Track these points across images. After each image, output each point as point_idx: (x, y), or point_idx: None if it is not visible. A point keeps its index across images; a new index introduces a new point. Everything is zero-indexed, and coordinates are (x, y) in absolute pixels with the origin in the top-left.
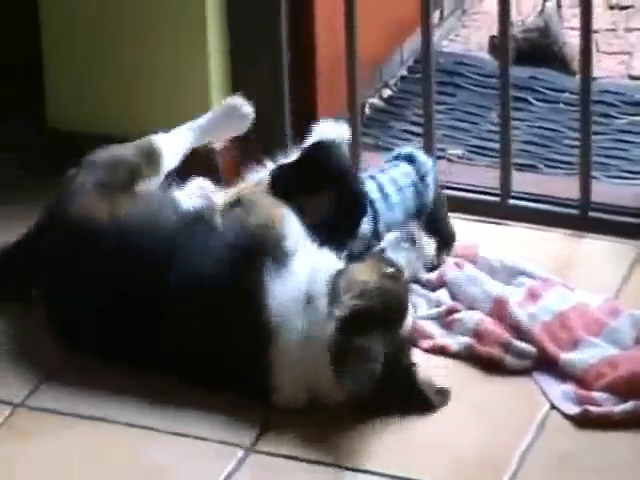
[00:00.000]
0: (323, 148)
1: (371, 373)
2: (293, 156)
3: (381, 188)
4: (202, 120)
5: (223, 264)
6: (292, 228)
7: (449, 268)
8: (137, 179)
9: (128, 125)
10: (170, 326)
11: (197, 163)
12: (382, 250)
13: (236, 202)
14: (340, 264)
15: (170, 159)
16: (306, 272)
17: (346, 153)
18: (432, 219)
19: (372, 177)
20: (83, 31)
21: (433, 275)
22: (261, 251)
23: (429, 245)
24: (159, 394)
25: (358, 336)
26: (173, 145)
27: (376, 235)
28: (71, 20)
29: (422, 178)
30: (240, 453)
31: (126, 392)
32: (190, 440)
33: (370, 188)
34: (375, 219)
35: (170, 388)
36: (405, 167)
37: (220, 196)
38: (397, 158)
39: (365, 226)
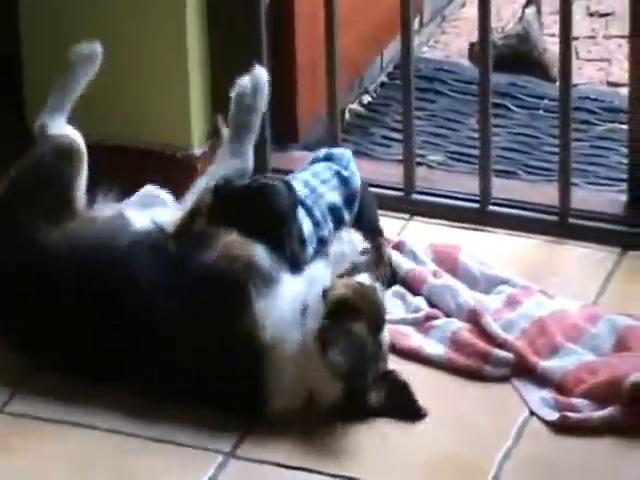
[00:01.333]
0: (266, 195)
1: (362, 349)
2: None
3: (306, 183)
4: (62, 84)
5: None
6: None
7: (427, 277)
8: (72, 186)
9: (106, 126)
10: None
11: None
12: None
13: (190, 225)
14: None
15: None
16: (295, 290)
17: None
18: (360, 208)
19: (294, 177)
20: (62, 28)
21: (412, 279)
22: (241, 281)
23: (357, 240)
24: (139, 400)
25: (345, 321)
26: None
27: (317, 224)
28: (51, 16)
29: (345, 167)
30: (220, 459)
31: (105, 398)
32: (170, 446)
33: (296, 186)
34: (311, 214)
35: (150, 394)
36: (324, 163)
37: (173, 212)
38: (315, 161)
39: (306, 226)
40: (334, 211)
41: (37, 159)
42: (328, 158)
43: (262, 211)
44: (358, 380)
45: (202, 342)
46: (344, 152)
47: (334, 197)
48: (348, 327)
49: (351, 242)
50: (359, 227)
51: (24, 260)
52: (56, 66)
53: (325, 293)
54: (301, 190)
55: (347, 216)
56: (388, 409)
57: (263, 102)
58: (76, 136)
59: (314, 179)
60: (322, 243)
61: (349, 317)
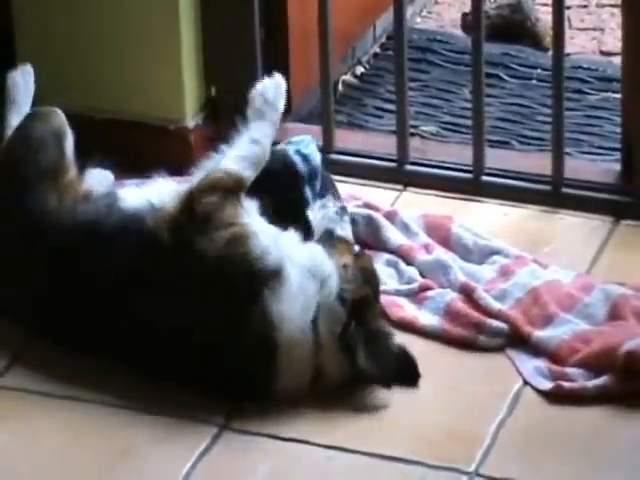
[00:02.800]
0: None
1: (392, 352)
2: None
3: None
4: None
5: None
6: (263, 239)
7: (418, 251)
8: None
9: (96, 98)
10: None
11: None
12: (331, 231)
13: (188, 217)
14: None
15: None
16: (306, 283)
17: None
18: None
19: None
20: (55, 1)
21: (403, 253)
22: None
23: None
24: (131, 374)
25: (367, 321)
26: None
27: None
28: None
29: (305, 147)
30: (215, 430)
31: (98, 372)
32: (163, 419)
33: None
34: None
35: (134, 378)
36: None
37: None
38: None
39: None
40: None
41: (21, 131)
42: (288, 143)
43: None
44: (385, 379)
45: (208, 337)
46: (304, 137)
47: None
48: (374, 329)
49: (328, 214)
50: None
51: (24, 228)
52: (49, 40)
53: (343, 298)
54: None
55: (310, 194)
56: (386, 372)
57: (282, 103)
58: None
59: None
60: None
61: (369, 313)
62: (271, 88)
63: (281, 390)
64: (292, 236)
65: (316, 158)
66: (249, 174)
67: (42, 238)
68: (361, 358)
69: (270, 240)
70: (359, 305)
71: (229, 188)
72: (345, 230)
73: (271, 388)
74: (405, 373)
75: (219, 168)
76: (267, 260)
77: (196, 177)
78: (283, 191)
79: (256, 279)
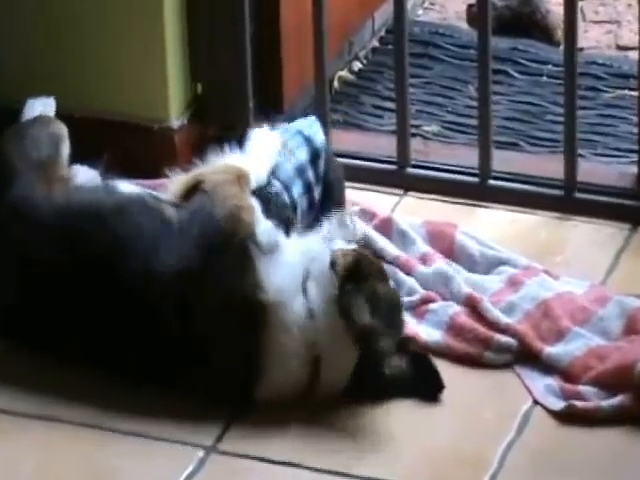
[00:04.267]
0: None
1: (394, 304)
2: None
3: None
4: None
5: (193, 261)
6: (262, 220)
7: (415, 265)
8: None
9: (79, 97)
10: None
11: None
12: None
13: (193, 190)
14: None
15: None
16: (297, 257)
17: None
18: (326, 178)
19: None
20: (31, 2)
21: (399, 266)
22: (242, 242)
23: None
24: (114, 393)
25: (364, 284)
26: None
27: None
28: None
29: (309, 126)
30: (201, 453)
31: (80, 391)
32: (147, 440)
33: None
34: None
35: (126, 387)
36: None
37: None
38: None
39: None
40: (300, 172)
41: (20, 128)
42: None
43: None
44: (393, 334)
45: (201, 304)
46: (309, 118)
47: (301, 154)
48: (371, 288)
49: (344, 226)
50: (325, 200)
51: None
52: (26, 34)
53: (333, 262)
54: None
55: (312, 176)
56: (406, 379)
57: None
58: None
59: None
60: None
61: (365, 280)
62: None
63: (272, 377)
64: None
65: (319, 139)
66: (255, 174)
67: (30, 222)
68: (363, 313)
69: (268, 224)
70: (357, 265)
71: (238, 175)
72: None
73: (260, 368)
74: (423, 374)
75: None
76: (264, 233)
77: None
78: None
79: (252, 245)
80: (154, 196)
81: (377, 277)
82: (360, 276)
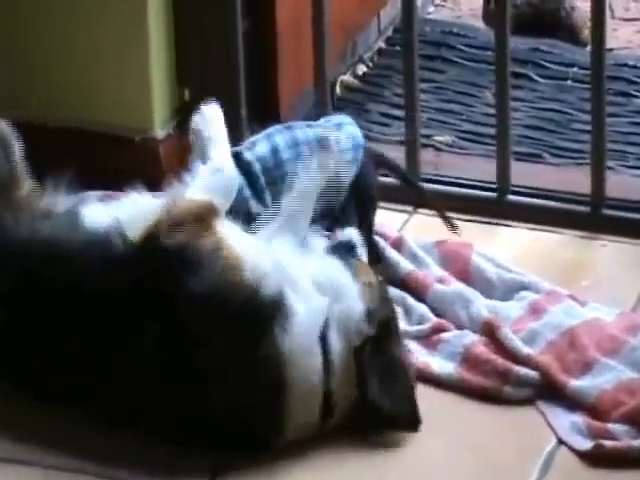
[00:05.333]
0: None
1: (403, 378)
2: None
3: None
4: None
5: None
6: (256, 261)
7: (431, 282)
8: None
9: (55, 105)
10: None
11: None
12: (352, 246)
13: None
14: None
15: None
16: (309, 297)
17: None
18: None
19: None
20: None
21: (414, 283)
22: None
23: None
24: (90, 436)
25: (392, 347)
26: None
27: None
28: None
29: (338, 125)
30: None
31: (51, 432)
32: None
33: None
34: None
35: (101, 430)
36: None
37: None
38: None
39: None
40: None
41: None
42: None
43: None
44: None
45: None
46: (343, 118)
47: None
48: (391, 358)
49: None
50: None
51: None
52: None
53: (371, 315)
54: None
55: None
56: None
57: (221, 128)
58: None
59: (283, 138)
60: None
61: (386, 347)
62: (204, 125)
63: (292, 429)
64: (287, 246)
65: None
66: (219, 201)
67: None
68: (373, 387)
69: (264, 260)
70: (384, 326)
71: (200, 215)
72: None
73: (281, 429)
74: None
75: (184, 198)
76: (265, 288)
77: (158, 210)
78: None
79: (256, 315)
80: (121, 233)
81: (397, 341)
82: (384, 339)
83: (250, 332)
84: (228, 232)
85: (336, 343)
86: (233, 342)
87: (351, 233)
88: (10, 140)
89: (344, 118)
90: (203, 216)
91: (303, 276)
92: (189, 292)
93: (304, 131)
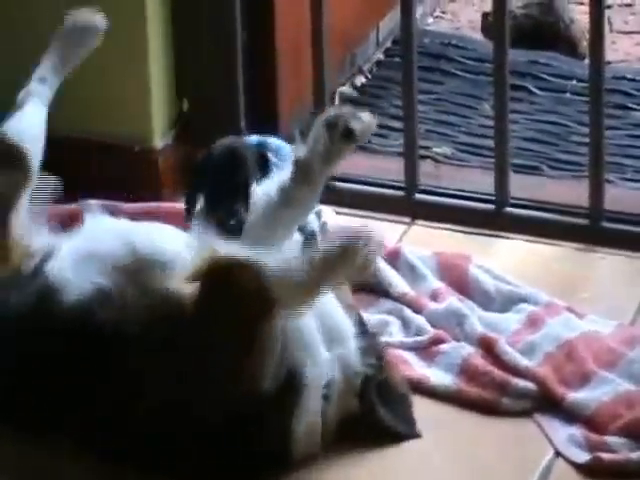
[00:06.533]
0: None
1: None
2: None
3: None
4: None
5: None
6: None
7: (425, 301)
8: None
9: (54, 115)
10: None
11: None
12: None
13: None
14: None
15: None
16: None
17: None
18: None
19: None
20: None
21: (407, 303)
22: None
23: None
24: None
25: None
26: (30, 126)
27: None
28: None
29: (282, 160)
30: None
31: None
32: None
33: None
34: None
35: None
36: None
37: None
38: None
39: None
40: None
41: None
42: (260, 146)
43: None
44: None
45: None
46: (281, 144)
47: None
48: (391, 382)
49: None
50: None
51: None
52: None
53: (379, 367)
54: None
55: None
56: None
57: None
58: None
59: None
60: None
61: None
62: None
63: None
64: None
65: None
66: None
67: None
68: (382, 413)
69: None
70: (379, 358)
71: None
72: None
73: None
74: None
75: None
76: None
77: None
78: (227, 174)
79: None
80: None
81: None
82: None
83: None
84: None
85: (338, 387)
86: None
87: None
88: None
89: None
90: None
91: (313, 332)
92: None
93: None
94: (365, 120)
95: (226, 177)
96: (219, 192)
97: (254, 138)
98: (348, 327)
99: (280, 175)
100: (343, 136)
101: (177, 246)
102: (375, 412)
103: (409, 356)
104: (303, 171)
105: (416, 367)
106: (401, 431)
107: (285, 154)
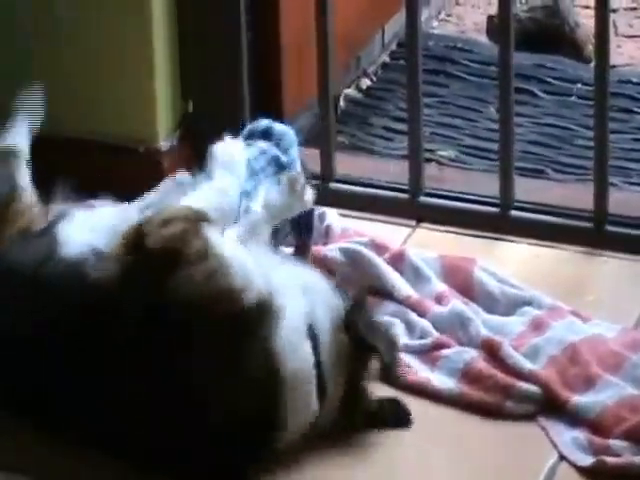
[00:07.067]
0: None
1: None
2: None
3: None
4: None
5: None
6: (244, 269)
7: (429, 304)
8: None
9: (57, 115)
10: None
11: None
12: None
13: (140, 258)
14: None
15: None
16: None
17: None
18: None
19: None
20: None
21: (411, 307)
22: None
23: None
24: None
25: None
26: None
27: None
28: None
29: (285, 151)
30: None
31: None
32: None
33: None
34: None
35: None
36: (261, 145)
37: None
38: (250, 137)
39: None
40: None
41: None
42: (266, 134)
43: None
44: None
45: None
46: (286, 131)
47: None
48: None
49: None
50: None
51: None
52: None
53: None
54: None
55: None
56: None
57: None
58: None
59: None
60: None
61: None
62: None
63: (292, 426)
64: (271, 256)
65: (297, 168)
66: (213, 215)
67: None
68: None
69: (252, 269)
70: (358, 298)
71: (189, 218)
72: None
73: (282, 427)
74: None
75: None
76: (253, 292)
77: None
78: None
79: (246, 319)
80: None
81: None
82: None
83: (239, 336)
84: (217, 238)
85: (324, 328)
86: (223, 346)
87: None
88: (19, 157)
89: (280, 134)
90: (193, 220)
91: (283, 279)
92: (173, 299)
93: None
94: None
95: None
96: None
97: (262, 123)
98: (323, 282)
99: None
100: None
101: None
102: (365, 340)
103: (412, 360)
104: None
105: (419, 371)
106: (389, 361)
107: (288, 140)
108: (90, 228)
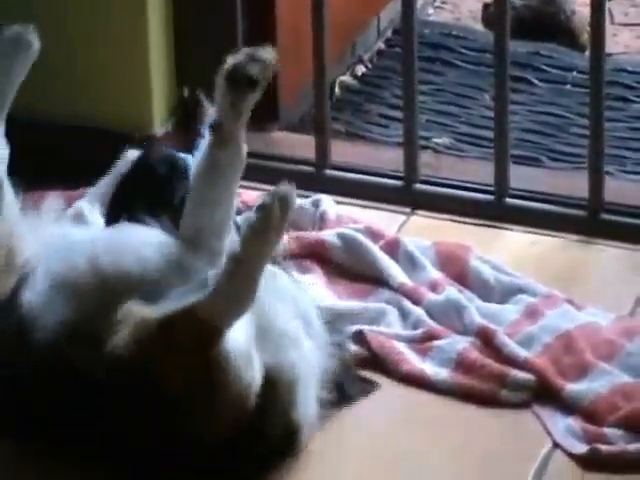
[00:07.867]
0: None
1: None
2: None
3: None
4: None
5: None
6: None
7: (423, 294)
8: None
9: (53, 101)
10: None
11: None
12: None
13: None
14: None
15: None
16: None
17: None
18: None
19: None
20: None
21: (405, 294)
22: None
23: None
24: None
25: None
26: None
27: None
28: None
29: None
30: None
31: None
32: None
33: None
34: None
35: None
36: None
37: None
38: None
39: None
40: None
41: None
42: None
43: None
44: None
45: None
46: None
47: None
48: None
49: None
50: None
51: None
52: None
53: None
54: None
55: None
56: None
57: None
58: None
59: None
60: None
61: None
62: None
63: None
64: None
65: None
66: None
67: None
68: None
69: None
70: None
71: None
72: None
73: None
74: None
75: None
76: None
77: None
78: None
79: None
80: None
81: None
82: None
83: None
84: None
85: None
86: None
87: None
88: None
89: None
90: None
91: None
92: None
93: None
94: (264, 58)
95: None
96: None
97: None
98: (313, 308)
99: (201, 144)
100: (246, 86)
101: (150, 263)
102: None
103: (404, 349)
104: (219, 133)
105: (411, 360)
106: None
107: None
108: (56, 287)
